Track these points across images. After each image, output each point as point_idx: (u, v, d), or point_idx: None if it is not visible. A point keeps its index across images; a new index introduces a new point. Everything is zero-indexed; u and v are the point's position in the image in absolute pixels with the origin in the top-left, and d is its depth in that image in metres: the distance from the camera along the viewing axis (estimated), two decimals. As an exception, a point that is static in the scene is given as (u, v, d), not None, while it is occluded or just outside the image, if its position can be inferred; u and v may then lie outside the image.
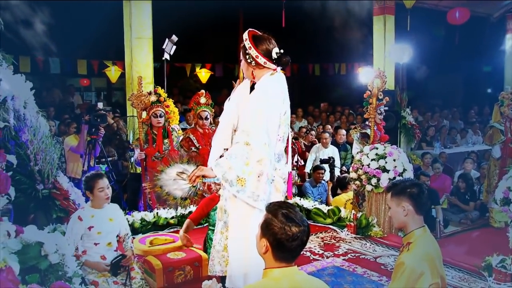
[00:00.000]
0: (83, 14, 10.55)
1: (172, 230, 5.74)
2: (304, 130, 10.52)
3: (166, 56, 8.11)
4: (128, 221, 5.61)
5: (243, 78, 5.84)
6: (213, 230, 4.09)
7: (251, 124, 3.15)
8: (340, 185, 7.36)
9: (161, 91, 6.30)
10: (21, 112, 4.03)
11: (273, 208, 2.23)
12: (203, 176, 3.18)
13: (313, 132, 9.95)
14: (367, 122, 6.54)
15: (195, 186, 3.26)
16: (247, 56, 3.30)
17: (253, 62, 3.30)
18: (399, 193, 2.75)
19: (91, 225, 3.96)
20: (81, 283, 2.94)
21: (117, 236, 4.18)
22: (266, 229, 2.20)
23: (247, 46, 3.28)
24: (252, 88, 3.52)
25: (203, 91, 6.37)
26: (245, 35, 3.30)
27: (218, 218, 3.40)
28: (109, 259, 4.07)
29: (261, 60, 3.28)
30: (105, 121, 6.70)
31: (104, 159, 6.75)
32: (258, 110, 3.19)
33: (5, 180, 2.59)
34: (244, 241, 3.19)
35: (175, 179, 3.30)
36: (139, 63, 8.55)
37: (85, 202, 4.41)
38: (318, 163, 8.22)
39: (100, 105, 7.36)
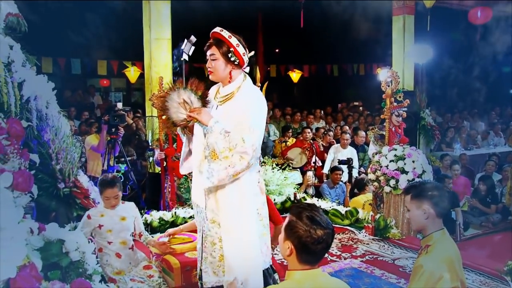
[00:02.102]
0: (103, 15, 10.68)
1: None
2: (322, 131, 10.51)
3: (185, 56, 8.16)
4: (147, 220, 5.69)
5: (261, 79, 5.75)
6: None
7: (251, 131, 3.03)
8: (357, 186, 7.33)
9: (180, 91, 6.33)
10: (43, 112, 4.11)
11: (297, 211, 2.19)
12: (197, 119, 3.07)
13: (331, 133, 9.93)
14: (384, 124, 6.51)
15: (188, 121, 3.13)
16: (230, 55, 3.07)
17: (237, 61, 3.11)
18: (420, 195, 2.71)
19: (100, 224, 4.02)
20: (101, 280, 2.99)
21: (133, 234, 4.24)
22: (291, 232, 2.16)
23: (233, 44, 3.08)
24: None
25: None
26: (226, 32, 3.09)
27: (207, 229, 3.22)
28: (124, 257, 4.13)
29: (246, 59, 3.16)
30: (123, 121, 6.77)
31: (123, 159, 6.83)
32: (256, 114, 3.11)
33: (28, 179, 2.65)
34: (241, 246, 3.11)
35: (180, 103, 3.10)
36: (158, 63, 8.63)
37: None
38: (336, 163, 8.20)
39: (120, 105, 7.43)
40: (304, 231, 2.12)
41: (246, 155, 3.01)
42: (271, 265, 3.41)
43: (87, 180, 5.06)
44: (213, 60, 3.10)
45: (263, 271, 3.23)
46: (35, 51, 4.07)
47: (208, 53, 3.12)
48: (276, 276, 3.45)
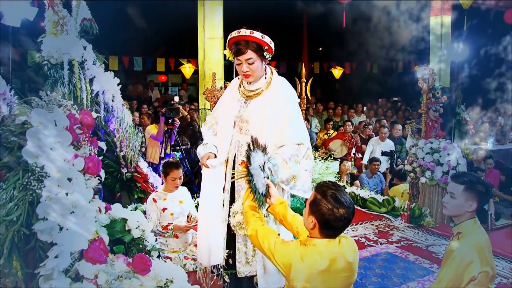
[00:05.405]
0: (162, 18, 10.89)
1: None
2: (363, 124, 10.37)
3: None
4: (199, 203, 5.78)
5: (306, 75, 5.68)
6: None
7: (299, 124, 2.94)
8: (400, 176, 7.24)
9: (230, 86, 6.38)
10: (109, 104, 4.25)
11: (322, 189, 2.17)
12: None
13: (370, 127, 9.78)
14: (421, 118, 6.37)
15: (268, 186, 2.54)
16: (265, 53, 2.86)
17: (269, 58, 2.92)
18: (473, 190, 2.60)
19: (164, 207, 4.13)
20: (158, 256, 3.08)
21: (188, 216, 4.34)
22: (315, 208, 2.16)
23: (267, 42, 2.83)
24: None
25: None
26: (258, 33, 2.81)
27: (240, 219, 2.89)
28: (181, 237, 4.23)
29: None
30: (178, 114, 6.87)
31: (178, 147, 6.95)
32: (297, 108, 2.99)
33: (97, 164, 2.74)
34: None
35: (260, 167, 2.50)
36: (211, 60, 8.69)
37: (162, 185, 4.59)
38: (375, 155, 8.09)
39: (176, 99, 7.54)
40: (327, 210, 2.12)
41: (309, 150, 2.93)
42: None
43: (147, 166, 5.20)
44: (251, 64, 2.84)
45: None
46: (103, 51, 4.19)
47: (244, 57, 2.83)
48: None
